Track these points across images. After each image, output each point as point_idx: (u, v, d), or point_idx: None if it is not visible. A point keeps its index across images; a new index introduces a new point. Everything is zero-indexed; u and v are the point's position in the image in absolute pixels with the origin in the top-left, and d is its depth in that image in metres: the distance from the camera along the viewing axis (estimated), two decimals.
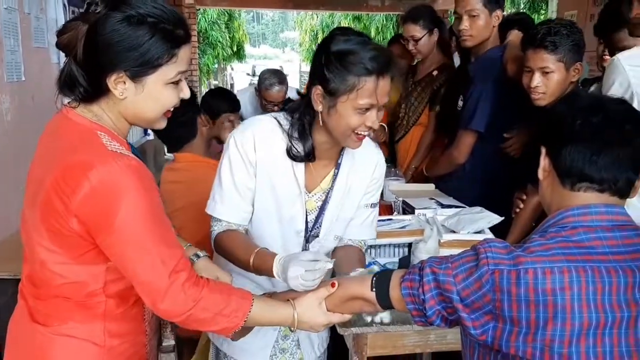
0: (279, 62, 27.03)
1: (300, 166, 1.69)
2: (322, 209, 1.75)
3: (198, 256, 1.60)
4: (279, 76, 3.82)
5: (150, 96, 1.23)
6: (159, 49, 1.20)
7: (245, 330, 1.40)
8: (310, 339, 1.90)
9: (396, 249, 2.15)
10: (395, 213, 2.40)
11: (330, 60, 1.53)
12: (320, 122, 1.60)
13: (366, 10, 12.10)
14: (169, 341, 1.30)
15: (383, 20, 16.19)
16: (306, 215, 1.74)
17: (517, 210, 2.32)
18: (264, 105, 3.85)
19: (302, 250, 1.75)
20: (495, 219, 2.13)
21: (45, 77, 3.09)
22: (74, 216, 1.17)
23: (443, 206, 2.37)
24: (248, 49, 25.99)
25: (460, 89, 2.78)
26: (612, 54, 2.47)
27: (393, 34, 15.89)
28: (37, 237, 1.23)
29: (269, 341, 1.83)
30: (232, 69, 22.56)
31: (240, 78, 22.07)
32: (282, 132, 1.67)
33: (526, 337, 1.14)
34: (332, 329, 1.92)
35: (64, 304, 1.26)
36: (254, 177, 1.68)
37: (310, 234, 1.77)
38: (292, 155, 1.66)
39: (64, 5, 3.20)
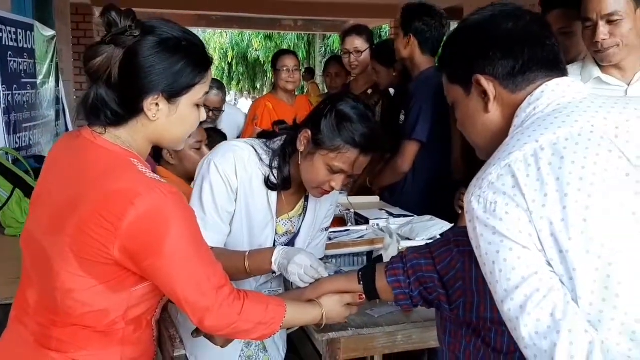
0: None
1: (274, 193, 1.78)
2: (294, 237, 1.86)
3: None
4: (217, 82, 3.90)
5: (181, 117, 1.27)
6: (194, 70, 1.26)
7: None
8: (276, 343, 1.95)
9: (355, 258, 2.26)
10: (349, 224, 2.51)
11: (332, 116, 1.64)
12: (299, 160, 1.70)
13: (279, 29, 12.27)
14: (180, 351, 1.31)
15: (295, 40, 16.47)
16: (274, 240, 1.82)
17: (461, 203, 2.49)
18: None
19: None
20: (446, 225, 2.29)
21: None
22: (118, 244, 1.16)
23: (394, 216, 2.51)
24: None
25: (400, 105, 2.96)
26: None
27: (305, 53, 16.26)
28: (63, 264, 1.20)
29: (234, 351, 1.84)
30: None
31: None
32: (258, 160, 1.75)
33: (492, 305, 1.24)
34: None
35: (82, 332, 1.24)
36: (234, 202, 1.74)
37: None
38: (269, 184, 1.75)
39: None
